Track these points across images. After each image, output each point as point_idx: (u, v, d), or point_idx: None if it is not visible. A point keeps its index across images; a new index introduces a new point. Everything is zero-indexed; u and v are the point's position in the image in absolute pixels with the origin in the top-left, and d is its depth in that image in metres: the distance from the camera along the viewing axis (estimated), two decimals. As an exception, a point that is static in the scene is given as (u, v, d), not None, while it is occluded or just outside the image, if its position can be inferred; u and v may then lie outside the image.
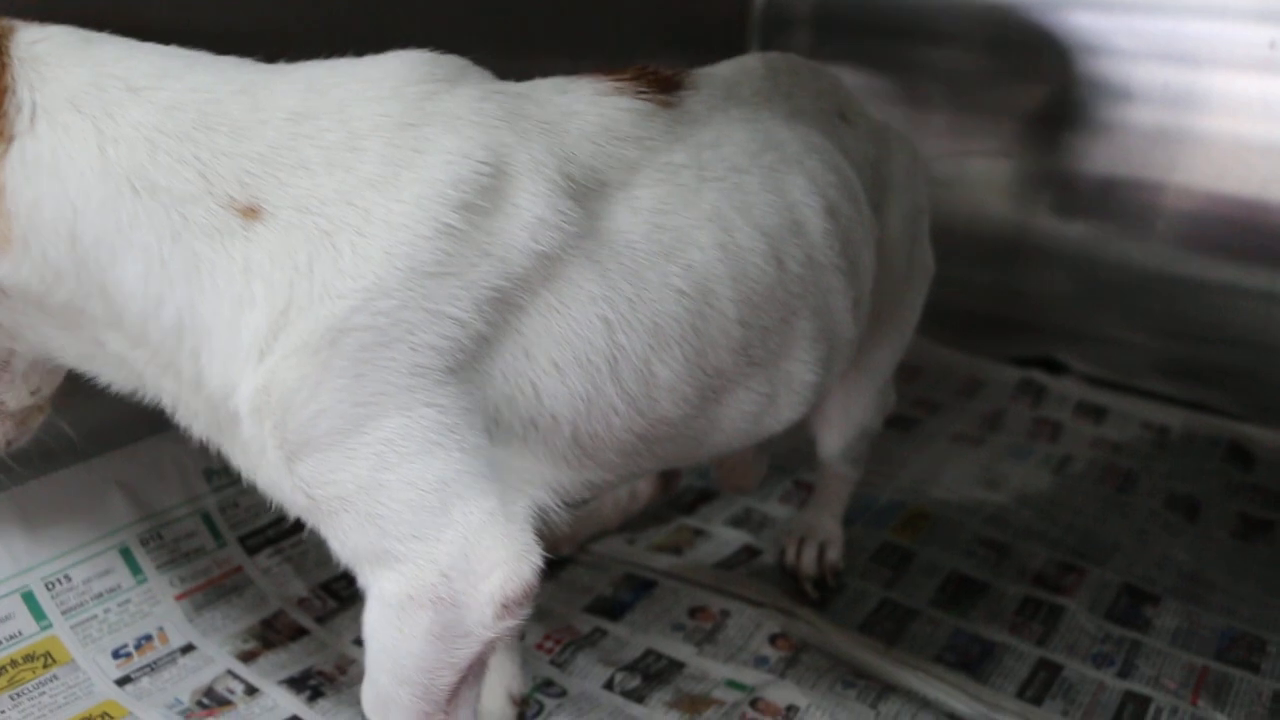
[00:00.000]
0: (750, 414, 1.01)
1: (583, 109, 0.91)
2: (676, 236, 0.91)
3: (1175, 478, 1.70)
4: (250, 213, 0.76)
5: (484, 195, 0.80)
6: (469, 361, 0.80)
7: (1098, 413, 1.90)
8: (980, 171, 2.06)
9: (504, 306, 0.81)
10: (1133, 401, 1.92)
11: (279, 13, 1.35)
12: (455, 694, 0.86)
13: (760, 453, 1.54)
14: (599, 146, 0.90)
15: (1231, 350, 1.87)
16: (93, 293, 0.78)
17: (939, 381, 1.99)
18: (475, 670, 0.86)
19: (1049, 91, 1.94)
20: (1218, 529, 1.57)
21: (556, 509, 0.89)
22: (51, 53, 0.78)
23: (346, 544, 0.82)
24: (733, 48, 2.10)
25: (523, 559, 0.81)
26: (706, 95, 1.02)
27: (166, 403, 0.85)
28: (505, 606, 0.81)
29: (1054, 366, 2.01)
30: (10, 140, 0.74)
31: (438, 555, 0.80)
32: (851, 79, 2.05)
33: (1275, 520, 1.59)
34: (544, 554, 0.83)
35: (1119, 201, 1.92)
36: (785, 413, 1.04)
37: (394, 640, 0.83)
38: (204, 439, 0.86)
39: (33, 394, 0.93)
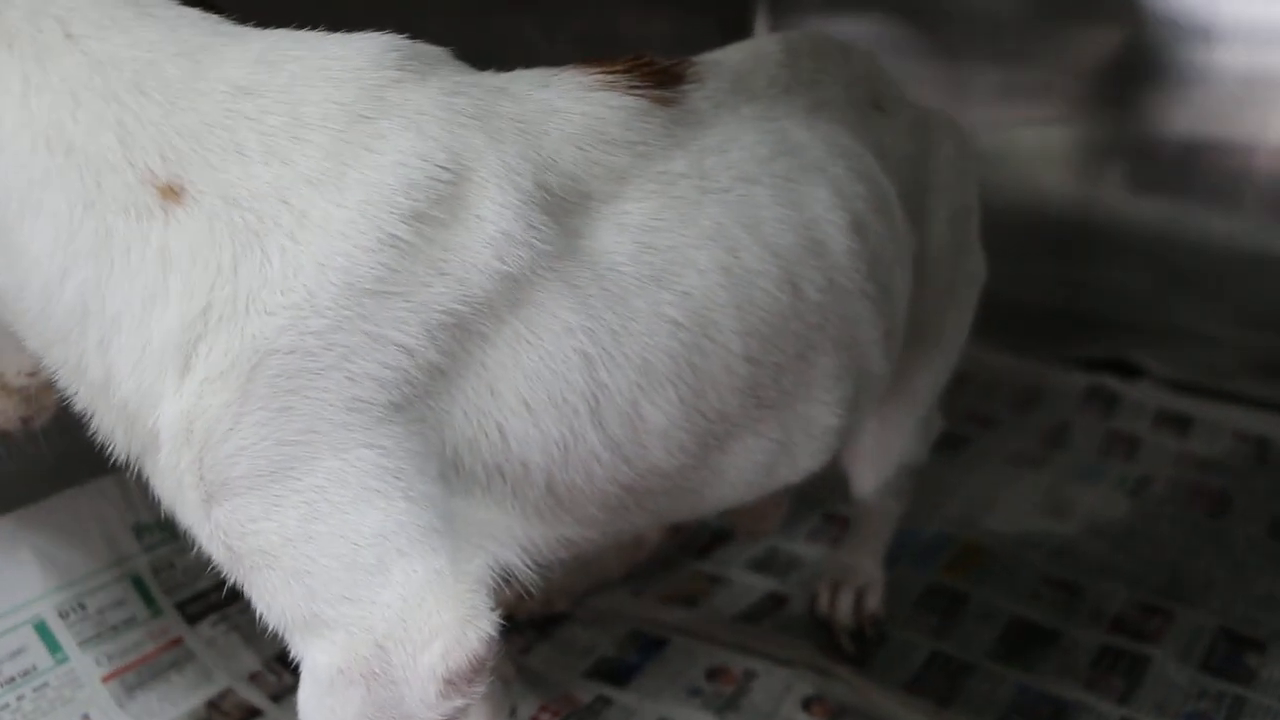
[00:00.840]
0: (761, 464, 1.00)
1: (566, 107, 0.90)
2: (671, 258, 0.90)
3: (1277, 498, 1.68)
4: (170, 193, 0.76)
5: (441, 204, 0.80)
6: (419, 397, 0.79)
7: (1182, 423, 1.90)
8: (1034, 142, 2.06)
9: (463, 335, 0.80)
10: (1223, 409, 1.91)
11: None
12: None
13: (780, 490, 1.53)
14: (583, 152, 0.89)
15: (1341, 345, 1.86)
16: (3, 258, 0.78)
17: (991, 392, 1.99)
18: None
19: (1113, 39, 1.94)
20: (1330, 558, 1.56)
21: (526, 570, 0.88)
22: None
23: (273, 607, 0.81)
24: (731, 10, 2.12)
25: (468, 625, 0.79)
26: (712, 90, 1.00)
27: (83, 410, 0.84)
28: (449, 682, 0.79)
29: (1128, 370, 2.01)
30: None
31: (373, 622, 0.78)
32: (874, 32, 2.08)
33: (1399, 547, 1.58)
34: (499, 621, 0.81)
35: (1202, 170, 1.91)
36: (803, 462, 1.04)
37: None
38: (126, 459, 0.84)
39: (30, 374, 0.93)
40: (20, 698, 1.17)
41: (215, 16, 0.84)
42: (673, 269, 0.90)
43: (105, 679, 1.22)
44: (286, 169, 0.78)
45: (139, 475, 0.84)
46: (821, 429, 1.02)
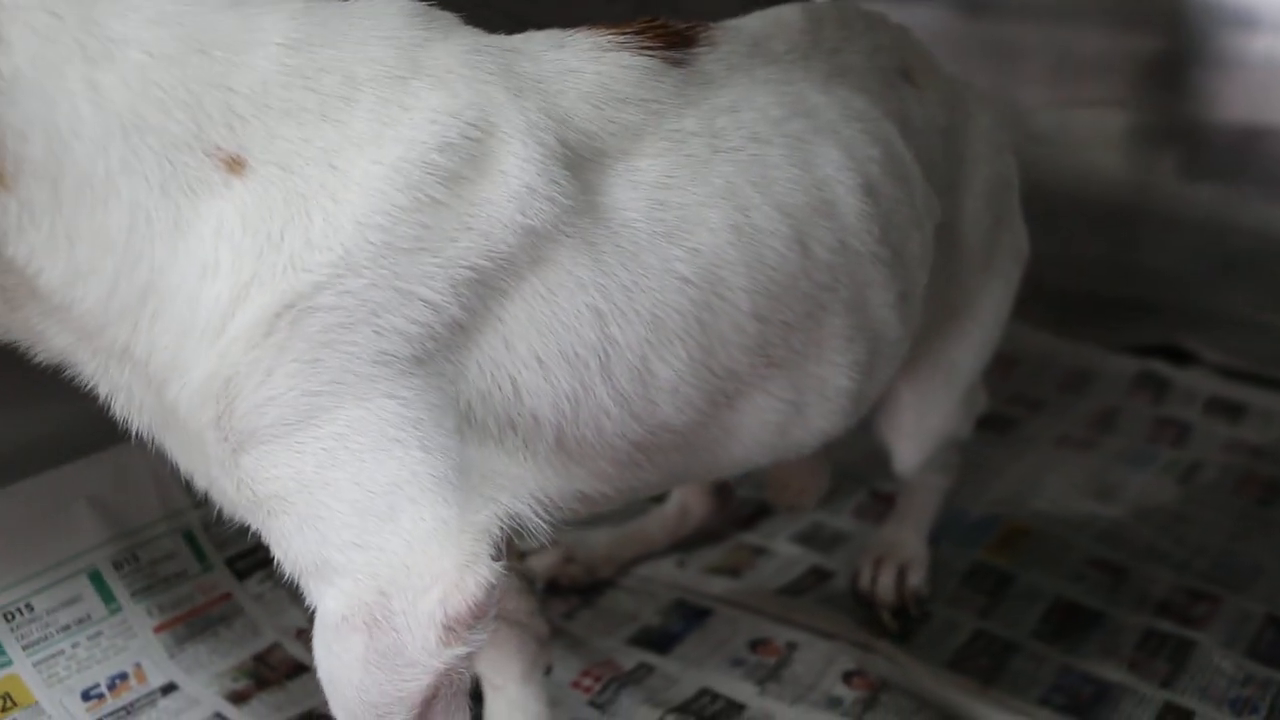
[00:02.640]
0: (773, 424, 1.00)
1: (580, 66, 0.91)
2: (682, 216, 0.90)
3: (1328, 486, 1.68)
4: (234, 165, 0.76)
5: (470, 161, 0.80)
6: (440, 351, 0.80)
7: (1233, 410, 1.88)
8: (1088, 124, 2.05)
9: (484, 290, 0.81)
10: (1276, 397, 1.89)
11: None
12: None
13: (821, 463, 1.54)
14: (597, 109, 0.90)
15: (1393, 333, 1.85)
16: (60, 245, 0.75)
17: (1040, 374, 1.98)
18: (445, 705, 0.85)
19: (1167, 20, 1.93)
20: (1380, 547, 1.55)
21: (540, 521, 0.88)
22: None
23: (289, 552, 0.82)
24: None
25: (467, 571, 0.79)
26: (726, 52, 1.01)
27: (103, 391, 0.84)
28: (449, 628, 0.79)
29: (1179, 355, 2.00)
30: None
31: (378, 568, 0.79)
32: (926, 18, 2.04)
33: None
34: (499, 570, 0.81)
35: (1258, 155, 1.91)
36: (817, 423, 1.04)
37: (333, 668, 0.83)
38: (147, 433, 0.85)
39: None
40: (75, 645, 1.19)
41: None
42: (684, 226, 0.90)
43: (157, 629, 1.24)
44: (337, 131, 0.79)
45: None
46: (834, 390, 1.02)
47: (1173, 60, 1.93)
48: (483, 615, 0.80)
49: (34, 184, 0.73)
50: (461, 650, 0.80)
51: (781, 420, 1.01)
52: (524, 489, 0.88)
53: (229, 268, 0.75)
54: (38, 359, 0.84)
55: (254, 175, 0.76)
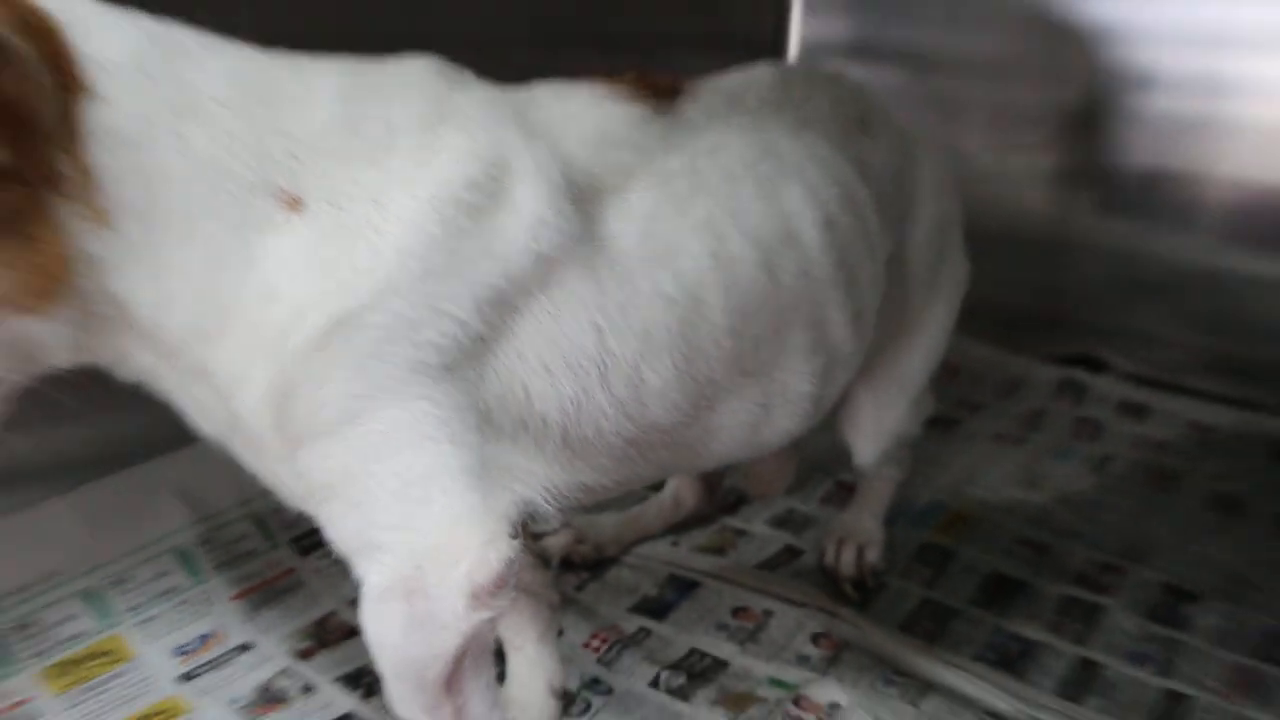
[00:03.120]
0: (746, 424, 1.03)
1: (581, 114, 0.94)
2: (668, 244, 0.92)
3: (1218, 477, 1.71)
4: (294, 204, 0.78)
5: (490, 195, 0.82)
6: (465, 360, 0.82)
7: (1140, 412, 1.91)
8: (1019, 165, 2.08)
9: (503, 307, 0.83)
10: (1177, 400, 1.93)
11: (325, 17, 1.42)
12: (456, 684, 0.88)
13: (788, 457, 1.57)
14: (595, 152, 0.92)
15: (1276, 346, 1.88)
16: (150, 276, 0.76)
17: (979, 381, 2.01)
18: (473, 660, 0.88)
19: (1085, 84, 1.96)
20: (1261, 528, 1.58)
21: (550, 508, 0.90)
22: (85, 12, 0.74)
23: (338, 533, 0.84)
24: (768, 59, 2.16)
25: (490, 547, 0.81)
26: (706, 103, 1.04)
27: (180, 404, 0.85)
28: (475, 596, 0.81)
29: (1095, 365, 2.02)
30: (88, 96, 0.71)
31: (414, 546, 0.81)
32: (889, 78, 2.11)
33: (1319, 520, 1.60)
34: (517, 547, 0.83)
35: (1160, 195, 1.93)
36: (782, 423, 1.06)
37: (378, 632, 0.85)
38: (216, 439, 0.86)
39: None
40: (166, 609, 1.25)
41: None
42: (670, 253, 0.92)
43: (233, 598, 1.28)
44: (380, 172, 0.80)
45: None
46: (797, 395, 1.05)
47: (1090, 114, 1.97)
48: (504, 585, 0.83)
49: (132, 224, 0.74)
50: (486, 615, 0.83)
51: (753, 420, 1.03)
52: (535, 480, 0.89)
53: (288, 293, 0.77)
54: (119, 377, 0.85)
55: (310, 213, 0.78)
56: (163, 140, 0.74)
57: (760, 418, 1.04)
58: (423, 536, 0.81)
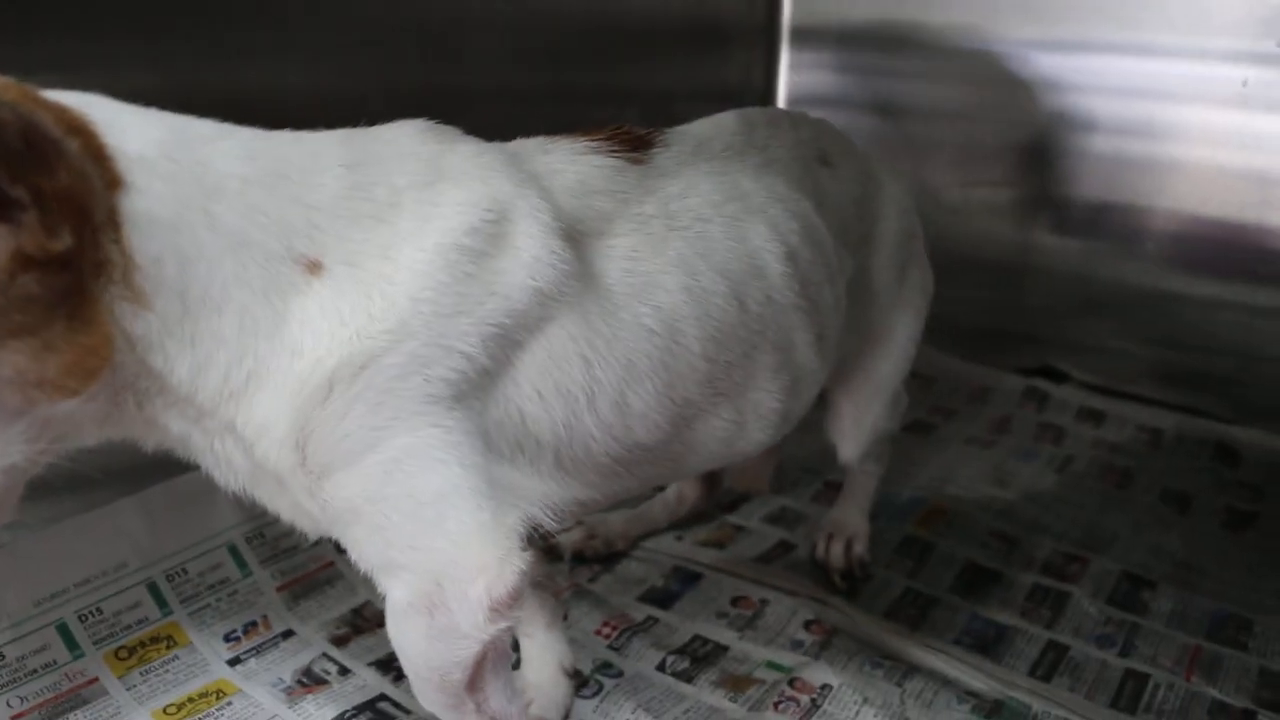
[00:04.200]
0: (722, 438, 0.99)
1: (563, 167, 0.91)
2: (647, 280, 0.90)
3: (1169, 475, 1.68)
4: (313, 268, 0.75)
5: (490, 240, 0.80)
6: (472, 391, 0.79)
7: (1096, 417, 1.89)
8: (984, 199, 2.06)
9: (505, 341, 0.80)
10: (1128, 406, 1.90)
11: (349, 77, 1.37)
12: (477, 683, 0.85)
13: (770, 456, 1.53)
14: (578, 200, 0.89)
15: (1218, 358, 1.86)
16: (187, 346, 0.73)
17: (952, 390, 1.98)
18: (492, 663, 0.85)
19: (1038, 127, 1.94)
20: (1208, 520, 1.55)
21: (550, 522, 0.87)
22: (104, 108, 0.71)
23: (361, 553, 0.81)
24: (758, 101, 2.15)
25: (505, 564, 0.78)
26: (676, 151, 1.00)
27: (207, 463, 0.81)
28: (493, 609, 0.79)
29: (1056, 375, 2.00)
30: (123, 189, 0.69)
31: (432, 564, 0.78)
32: (867, 124, 2.09)
33: (1260, 512, 1.58)
34: (529, 560, 0.81)
35: (1111, 224, 1.91)
36: (756, 435, 1.03)
37: (403, 643, 0.83)
38: (241, 492, 0.83)
39: None
40: (218, 599, 1.20)
41: None
42: (648, 289, 0.89)
43: (278, 589, 1.24)
44: (389, 229, 0.78)
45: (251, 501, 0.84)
46: (767, 410, 1.01)
47: (1043, 152, 1.95)
48: (519, 596, 0.80)
49: (171, 302, 0.71)
50: (504, 625, 0.80)
51: (728, 435, 1.00)
52: (535, 497, 0.86)
53: (310, 347, 0.74)
54: (146, 447, 0.82)
55: (328, 274, 0.75)
56: (195, 220, 0.71)
57: (734, 432, 1.00)
58: (440, 554, 0.78)
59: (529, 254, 0.81)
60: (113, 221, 0.68)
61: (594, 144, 0.94)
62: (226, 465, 0.80)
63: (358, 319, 0.75)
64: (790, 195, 1.05)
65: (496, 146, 0.89)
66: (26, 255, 0.64)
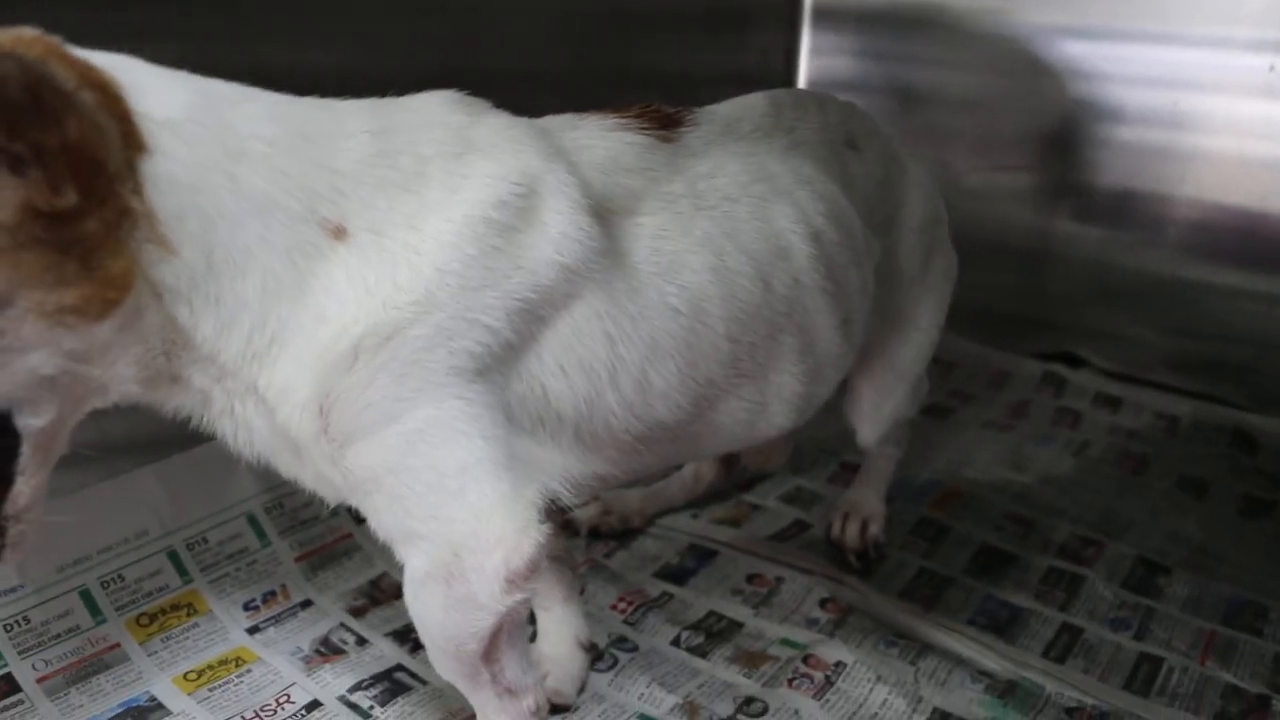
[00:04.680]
0: (743, 420, 0.99)
1: (592, 143, 0.90)
2: (673, 260, 0.89)
3: (1185, 461, 1.67)
4: (338, 233, 0.75)
5: (518, 214, 0.79)
6: (495, 364, 0.79)
7: (1114, 403, 1.87)
8: (1005, 184, 2.04)
9: (530, 316, 0.80)
10: (1146, 393, 1.89)
11: (373, 56, 1.38)
12: (493, 654, 0.85)
13: (787, 438, 1.49)
14: (607, 176, 0.89)
15: (1235, 346, 1.85)
16: (211, 303, 0.73)
17: (971, 374, 1.97)
18: (508, 634, 0.85)
19: (1061, 115, 1.93)
20: (1224, 507, 1.54)
21: (568, 496, 0.87)
22: (133, 71, 0.71)
23: (381, 523, 0.81)
24: (779, 85, 2.14)
25: (523, 535, 0.79)
26: (705, 131, 1.00)
27: (225, 428, 0.81)
28: (510, 580, 0.79)
29: (1074, 361, 1.99)
30: (146, 152, 0.69)
31: (452, 534, 0.78)
32: (887, 110, 2.07)
33: (1277, 500, 1.57)
34: (547, 532, 0.81)
35: (1132, 212, 1.90)
36: (777, 419, 1.02)
37: (420, 612, 0.83)
38: (257, 459, 0.83)
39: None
40: (237, 569, 1.21)
41: None
42: (674, 268, 0.89)
43: (296, 559, 1.25)
44: (416, 199, 0.77)
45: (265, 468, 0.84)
46: (790, 394, 1.01)
47: (1066, 139, 1.93)
48: (536, 568, 0.80)
49: (196, 255, 0.71)
50: (521, 596, 0.80)
51: (749, 417, 1.00)
52: (555, 471, 0.86)
53: (335, 314, 0.74)
54: (167, 413, 0.82)
55: (354, 240, 0.75)
56: (217, 182, 0.71)
57: (756, 414, 1.00)
58: (459, 525, 0.78)
59: (556, 229, 0.81)
60: (131, 175, 0.68)
61: (624, 121, 0.94)
62: (245, 430, 0.80)
63: (384, 288, 0.75)
64: (817, 177, 1.05)
65: (525, 121, 0.88)
66: (34, 207, 0.64)
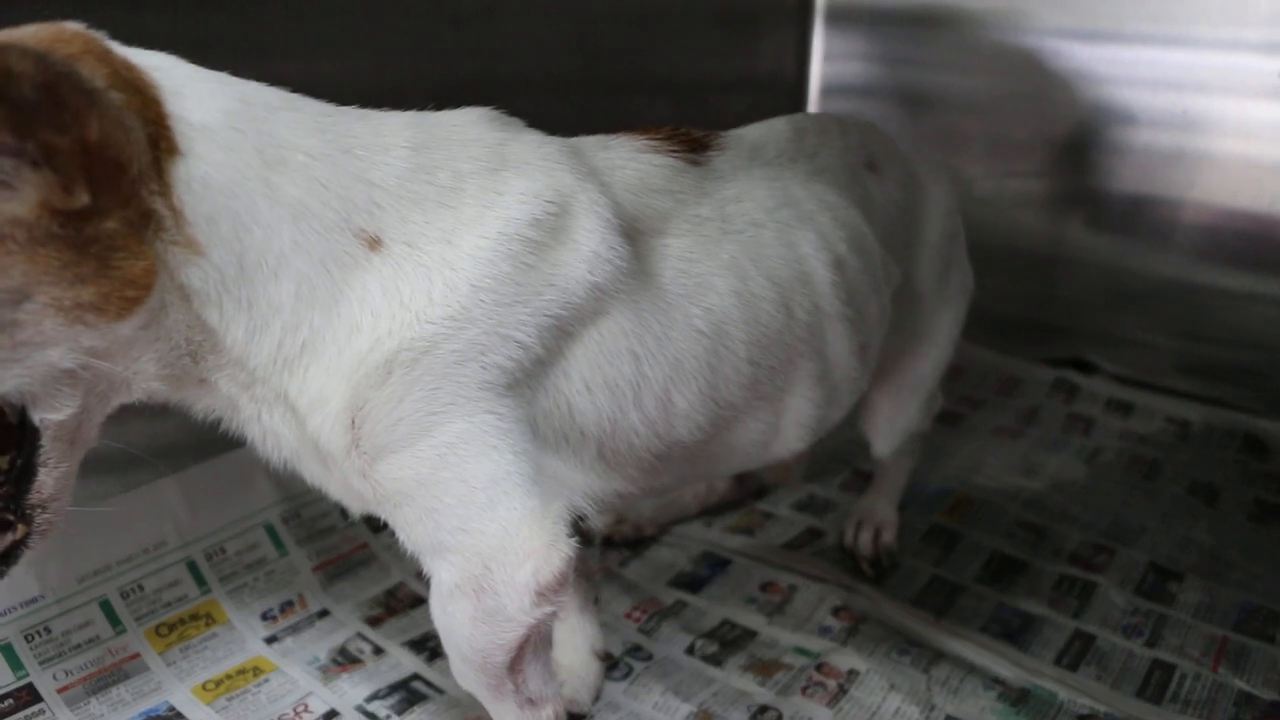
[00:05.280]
0: (759, 441, 1.00)
1: (623, 163, 0.91)
2: (699, 282, 0.90)
3: (1196, 467, 1.67)
4: (374, 244, 0.76)
5: (551, 232, 0.80)
6: (525, 380, 0.80)
7: (1125, 408, 1.87)
8: (1016, 190, 2.04)
9: (560, 333, 0.81)
10: (1157, 398, 1.89)
11: (384, 65, 1.39)
12: (518, 665, 0.85)
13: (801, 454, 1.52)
14: (636, 197, 0.89)
15: (1246, 351, 1.84)
16: (243, 307, 0.74)
17: (981, 381, 1.97)
18: (533, 646, 0.85)
19: (1074, 115, 1.92)
20: (1235, 513, 1.54)
21: (591, 511, 0.87)
22: (177, 73, 0.72)
23: (410, 535, 0.81)
24: (790, 95, 2.15)
25: (553, 549, 0.79)
26: (732, 155, 1.01)
27: (252, 433, 0.81)
28: (540, 594, 0.79)
29: (1085, 367, 1.99)
30: (179, 155, 0.69)
31: (481, 547, 0.78)
32: (898, 115, 2.09)
33: (1289, 505, 1.56)
34: (575, 546, 0.81)
35: (1142, 217, 1.90)
36: (792, 443, 1.03)
37: (448, 624, 0.83)
38: (286, 466, 0.83)
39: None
40: (255, 578, 1.21)
41: None
42: (700, 290, 0.90)
43: (314, 569, 1.25)
44: (451, 214, 0.78)
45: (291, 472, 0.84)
46: (805, 417, 1.02)
47: (1078, 144, 1.93)
48: (565, 582, 0.80)
49: (225, 256, 0.71)
50: (549, 609, 0.81)
51: (764, 439, 1.00)
52: (578, 486, 0.87)
53: (369, 326, 0.75)
54: (196, 414, 0.82)
55: (389, 252, 0.76)
56: (252, 188, 0.72)
57: (770, 435, 1.01)
58: (489, 539, 0.78)
59: (588, 248, 0.81)
60: (158, 177, 0.68)
61: (653, 143, 0.94)
62: (273, 437, 0.81)
63: (419, 301, 0.75)
64: (840, 204, 1.05)
65: (559, 140, 0.89)
66: (51, 204, 0.64)
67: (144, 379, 0.76)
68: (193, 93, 0.72)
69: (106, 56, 0.68)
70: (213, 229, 0.71)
